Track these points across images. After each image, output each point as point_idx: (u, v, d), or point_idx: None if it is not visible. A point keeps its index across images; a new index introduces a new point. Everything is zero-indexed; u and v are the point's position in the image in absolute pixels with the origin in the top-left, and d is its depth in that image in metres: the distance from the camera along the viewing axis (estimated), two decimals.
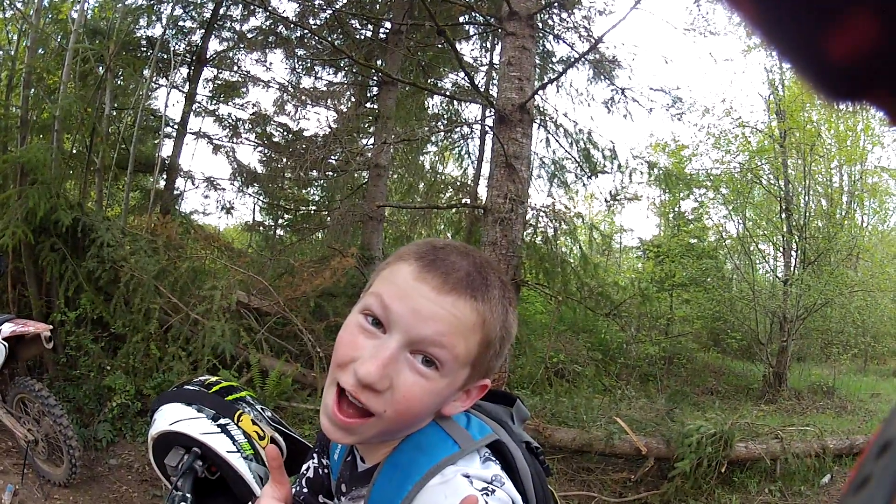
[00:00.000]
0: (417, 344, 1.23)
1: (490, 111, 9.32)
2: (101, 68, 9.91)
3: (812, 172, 17.55)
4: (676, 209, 20.02)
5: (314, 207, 15.91)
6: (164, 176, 12.70)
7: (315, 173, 13.79)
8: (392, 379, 1.22)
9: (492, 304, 1.27)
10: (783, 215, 16.88)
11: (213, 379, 2.65)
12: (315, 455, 1.77)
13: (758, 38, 0.37)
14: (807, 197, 17.10)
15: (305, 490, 1.76)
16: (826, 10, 0.33)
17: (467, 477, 1.23)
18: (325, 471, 1.74)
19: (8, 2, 10.06)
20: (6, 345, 5.82)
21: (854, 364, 18.04)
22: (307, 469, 1.79)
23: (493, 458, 1.34)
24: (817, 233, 16.67)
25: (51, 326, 6.06)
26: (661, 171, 12.33)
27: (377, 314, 1.26)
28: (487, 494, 1.21)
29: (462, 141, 17.12)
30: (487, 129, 11.38)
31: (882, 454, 0.46)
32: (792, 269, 16.27)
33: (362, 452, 1.45)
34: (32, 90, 8.87)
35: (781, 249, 17.42)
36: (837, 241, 15.98)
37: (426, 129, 14.22)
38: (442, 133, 15.88)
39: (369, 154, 13.18)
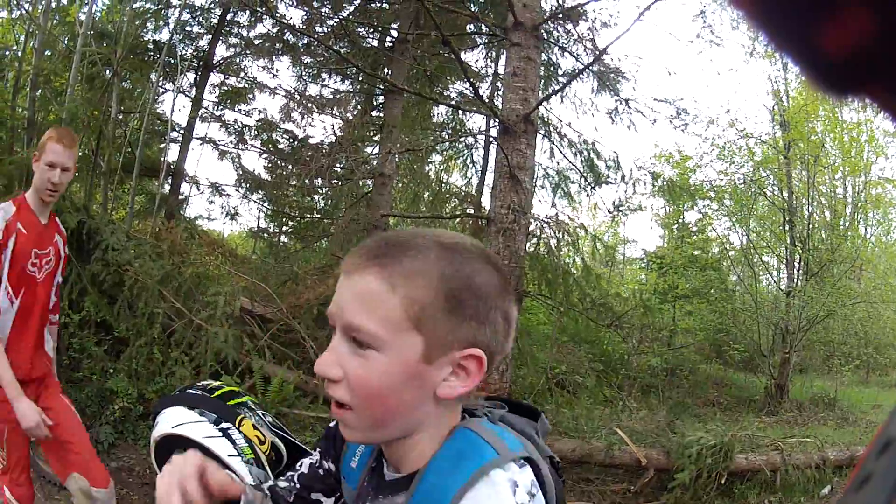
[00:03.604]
0: (347, 332, 1.27)
1: (494, 122, 9.31)
2: (108, 72, 9.93)
3: (816, 183, 17.56)
4: (680, 220, 19.94)
5: (318, 215, 15.88)
6: (170, 180, 12.73)
7: (320, 181, 13.79)
8: (343, 368, 1.26)
9: (407, 263, 1.25)
10: (786, 227, 16.88)
11: (216, 384, 2.67)
12: (317, 452, 1.78)
13: (756, 32, 0.39)
14: (810, 208, 17.11)
15: (298, 486, 1.79)
16: (822, 4, 0.34)
17: (513, 482, 1.24)
18: (323, 472, 1.75)
19: (15, 2, 10.10)
20: None
21: (856, 375, 18.04)
22: (300, 465, 1.81)
23: (529, 468, 1.32)
24: (821, 244, 16.68)
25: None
26: (665, 182, 12.34)
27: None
28: (530, 499, 1.24)
29: (466, 151, 17.14)
30: (492, 139, 11.37)
31: (883, 453, 0.47)
32: (795, 280, 16.25)
33: (389, 459, 1.44)
34: (39, 92, 8.90)
35: (785, 261, 17.42)
36: (841, 252, 15.95)
37: (431, 139, 14.22)
38: (447, 143, 15.90)
39: (374, 162, 13.18)
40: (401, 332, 1.24)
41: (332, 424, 1.70)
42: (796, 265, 16.51)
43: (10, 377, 3.75)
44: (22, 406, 3.77)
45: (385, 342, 1.24)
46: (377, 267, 1.25)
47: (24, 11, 9.79)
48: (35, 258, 4.00)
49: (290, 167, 14.28)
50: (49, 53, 9.78)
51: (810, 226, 16.75)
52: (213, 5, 13.01)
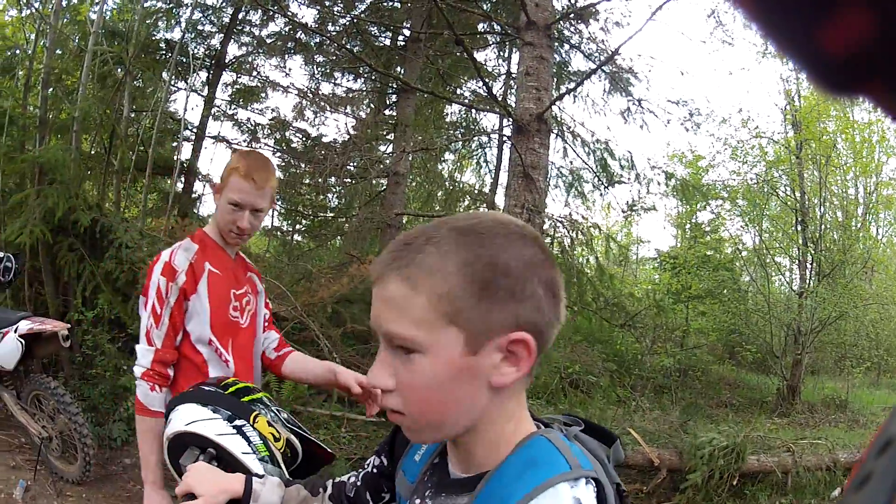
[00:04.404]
0: (388, 341, 1.26)
1: (508, 121, 9.30)
2: (120, 70, 9.96)
3: (828, 184, 17.54)
4: (693, 220, 19.94)
5: (332, 214, 15.89)
6: (183, 179, 12.76)
7: (333, 180, 13.79)
8: (395, 377, 1.25)
9: (420, 261, 1.23)
10: (799, 227, 16.86)
11: (230, 380, 2.66)
12: (376, 453, 1.81)
13: (757, 31, 0.38)
14: (822, 208, 17.09)
15: (359, 483, 1.82)
16: (822, 4, 0.33)
17: (577, 500, 1.21)
18: (375, 469, 1.79)
19: (25, 1, 10.13)
20: (23, 342, 5.87)
21: (867, 377, 18.01)
22: (368, 463, 1.83)
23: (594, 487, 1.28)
24: (833, 245, 16.66)
25: (68, 325, 6.10)
26: (678, 182, 12.35)
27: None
28: None
29: (480, 150, 17.18)
30: (505, 138, 11.36)
31: (883, 452, 0.47)
32: (807, 281, 16.23)
33: (455, 457, 1.43)
34: (51, 90, 8.92)
35: (797, 262, 17.40)
36: (852, 253, 15.95)
37: (444, 137, 14.23)
38: (460, 142, 15.91)
39: (388, 161, 13.20)
40: (436, 329, 1.22)
41: None
42: (808, 266, 16.49)
43: (154, 461, 3.07)
44: (154, 498, 3.10)
45: (425, 344, 1.22)
46: (395, 270, 1.24)
47: (34, 10, 9.82)
48: (235, 300, 3.33)
49: (303, 166, 14.29)
50: (60, 52, 9.80)
51: (822, 226, 16.72)
52: (224, 4, 13.05)
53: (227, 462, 2.35)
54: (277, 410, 2.59)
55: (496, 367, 1.24)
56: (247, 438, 2.36)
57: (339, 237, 15.25)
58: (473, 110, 14.64)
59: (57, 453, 6.29)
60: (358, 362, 8.71)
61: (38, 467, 6.26)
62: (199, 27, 13.14)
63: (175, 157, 11.67)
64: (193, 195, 13.46)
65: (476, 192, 16.41)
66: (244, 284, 3.43)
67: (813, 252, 15.99)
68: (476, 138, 15.74)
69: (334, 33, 12.81)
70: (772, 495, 8.03)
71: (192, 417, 2.40)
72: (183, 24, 12.35)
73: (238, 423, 2.39)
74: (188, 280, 3.07)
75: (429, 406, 1.26)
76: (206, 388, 2.56)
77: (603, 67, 10.84)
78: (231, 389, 2.56)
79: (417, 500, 1.47)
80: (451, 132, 15.78)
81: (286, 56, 14.02)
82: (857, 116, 18.31)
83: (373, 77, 14.14)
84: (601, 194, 13.92)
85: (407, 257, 1.23)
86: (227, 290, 3.26)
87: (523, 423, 1.36)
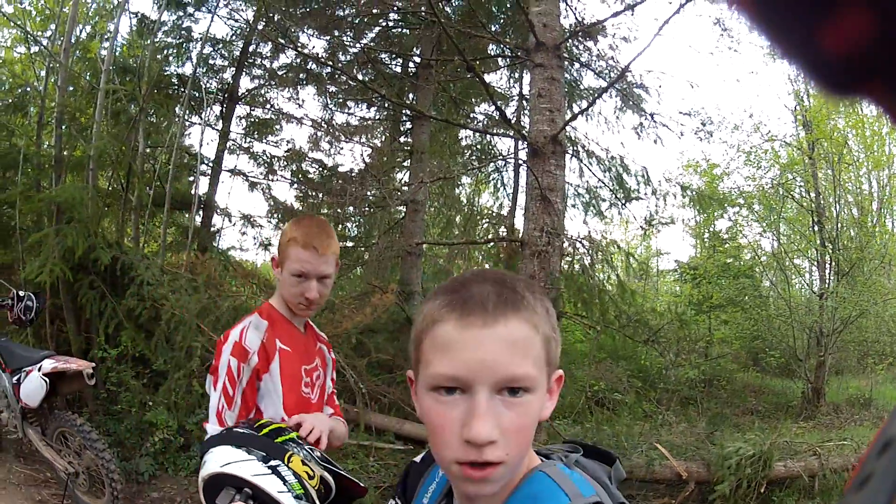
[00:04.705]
0: (501, 384, 1.22)
1: (523, 143, 9.31)
2: (133, 107, 10.00)
3: (842, 181, 17.48)
4: (711, 229, 19.87)
5: (352, 243, 15.83)
6: (201, 213, 12.78)
7: (352, 209, 13.77)
8: (499, 425, 1.22)
9: (528, 303, 1.27)
10: (815, 228, 16.80)
11: (263, 421, 2.70)
12: (393, 496, 1.80)
13: (759, 34, 0.40)
14: (837, 206, 17.04)
15: None
16: (822, 4, 0.34)
17: None
18: None
19: (33, 38, 10.20)
20: (47, 380, 5.93)
21: (890, 373, 17.82)
22: None
23: None
24: (850, 243, 16.58)
25: (93, 364, 6.14)
26: (694, 193, 12.33)
27: (449, 385, 1.26)
28: None
29: (496, 173, 17.14)
30: (521, 161, 11.35)
31: (883, 452, 0.48)
32: (827, 282, 16.16)
33: (459, 499, 1.44)
34: (64, 127, 8.97)
35: (816, 263, 17.33)
36: (870, 249, 15.87)
37: (460, 164, 14.22)
38: (476, 169, 15.89)
39: (406, 189, 13.20)
40: (542, 368, 1.28)
41: (416, 460, 1.73)
42: (827, 266, 16.43)
43: None
44: None
45: (538, 382, 1.27)
46: (514, 311, 1.25)
47: (42, 47, 9.89)
48: (306, 376, 3.23)
49: (320, 196, 14.24)
50: (72, 89, 9.85)
51: (839, 225, 16.67)
52: (234, 38, 13.11)
53: (262, 501, 2.39)
54: (310, 448, 2.63)
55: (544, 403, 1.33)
56: (282, 478, 2.41)
57: (359, 266, 15.19)
58: (488, 134, 14.62)
59: (84, 488, 6.32)
60: (384, 391, 8.70)
61: (64, 502, 6.30)
62: (211, 61, 13.19)
63: (192, 192, 11.71)
64: (212, 229, 13.50)
65: (494, 214, 16.36)
66: (314, 358, 3.33)
67: (831, 252, 15.94)
68: (492, 162, 15.73)
69: (345, 63, 12.82)
70: (799, 500, 8.00)
71: (227, 459, 2.44)
72: (194, 59, 12.38)
73: (273, 463, 2.43)
74: (261, 361, 3.02)
75: (524, 448, 1.29)
76: (240, 430, 2.61)
77: (614, 85, 10.83)
78: (264, 431, 2.60)
79: None
80: (467, 156, 15.79)
81: (298, 87, 14.01)
82: (866, 110, 18.26)
83: (386, 105, 14.11)
84: (619, 211, 13.91)
85: (513, 298, 1.26)
86: (298, 367, 3.19)
87: (530, 457, 1.40)
